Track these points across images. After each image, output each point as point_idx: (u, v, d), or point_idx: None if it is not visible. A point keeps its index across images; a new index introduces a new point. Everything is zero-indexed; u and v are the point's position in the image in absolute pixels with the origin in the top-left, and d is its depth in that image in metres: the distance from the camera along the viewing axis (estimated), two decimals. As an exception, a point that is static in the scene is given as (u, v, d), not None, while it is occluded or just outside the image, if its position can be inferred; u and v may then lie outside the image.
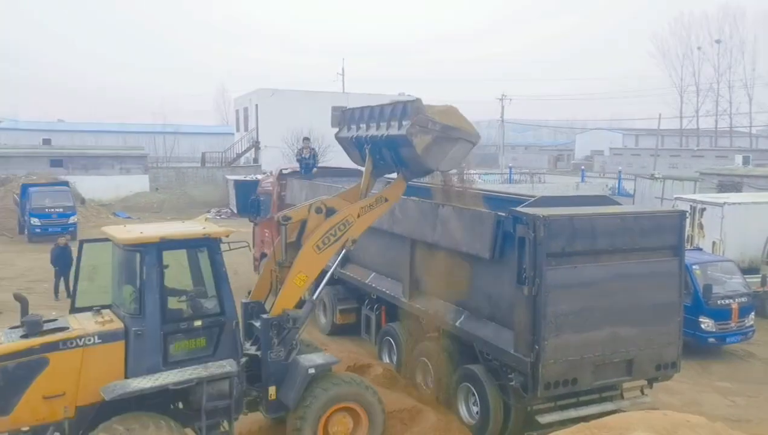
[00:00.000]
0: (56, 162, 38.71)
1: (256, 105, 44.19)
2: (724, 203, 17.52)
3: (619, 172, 44.39)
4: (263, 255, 18.28)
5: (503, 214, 8.36)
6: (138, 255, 7.37)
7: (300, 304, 8.54)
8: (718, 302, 13.16)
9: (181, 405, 7.68)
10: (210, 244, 7.80)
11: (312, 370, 8.08)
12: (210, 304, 7.87)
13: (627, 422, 6.36)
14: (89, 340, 7.12)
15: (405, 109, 8.39)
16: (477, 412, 8.98)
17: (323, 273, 8.79)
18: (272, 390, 8.14)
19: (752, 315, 13.76)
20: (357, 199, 8.98)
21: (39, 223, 25.66)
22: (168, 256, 7.55)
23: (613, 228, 8.29)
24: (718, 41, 69.05)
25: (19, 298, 8.26)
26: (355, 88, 56.60)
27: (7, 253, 23.75)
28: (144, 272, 7.29)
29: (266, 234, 17.87)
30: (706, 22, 72.29)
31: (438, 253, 9.62)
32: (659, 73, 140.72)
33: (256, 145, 43.94)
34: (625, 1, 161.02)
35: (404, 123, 8.28)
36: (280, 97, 43.00)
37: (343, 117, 10.12)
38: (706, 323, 13.07)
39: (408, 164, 8.72)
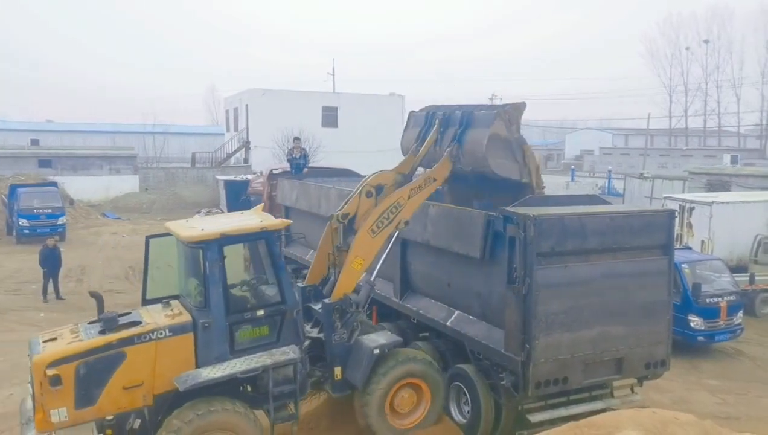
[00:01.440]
0: (45, 162, 38.47)
1: (246, 105, 44.02)
2: (713, 202, 17.67)
3: (609, 171, 44.56)
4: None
5: (493, 213, 8.38)
6: (200, 251, 7.66)
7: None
8: (707, 301, 13.28)
9: (249, 389, 8.06)
10: (268, 237, 8.10)
11: (377, 351, 8.49)
12: (271, 293, 8.21)
13: (616, 421, 6.39)
14: (161, 334, 7.55)
15: (506, 105, 9.57)
16: (468, 411, 8.99)
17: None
18: (338, 371, 8.58)
19: (741, 313, 13.89)
20: (410, 168, 9.66)
21: (27, 224, 25.44)
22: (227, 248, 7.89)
23: (603, 227, 8.32)
24: (706, 41, 69.64)
25: (95, 296, 8.86)
26: (347, 88, 56.65)
27: (-5, 255, 23.58)
28: (207, 267, 7.61)
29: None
30: (694, 23, 72.97)
31: (429, 252, 9.64)
32: (649, 73, 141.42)
33: (246, 145, 43.78)
34: (621, 2, 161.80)
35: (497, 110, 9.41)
36: (270, 97, 42.86)
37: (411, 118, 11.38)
38: (695, 322, 13.17)
39: (466, 144, 9.43)
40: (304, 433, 9.04)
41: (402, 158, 10.07)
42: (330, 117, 44.97)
